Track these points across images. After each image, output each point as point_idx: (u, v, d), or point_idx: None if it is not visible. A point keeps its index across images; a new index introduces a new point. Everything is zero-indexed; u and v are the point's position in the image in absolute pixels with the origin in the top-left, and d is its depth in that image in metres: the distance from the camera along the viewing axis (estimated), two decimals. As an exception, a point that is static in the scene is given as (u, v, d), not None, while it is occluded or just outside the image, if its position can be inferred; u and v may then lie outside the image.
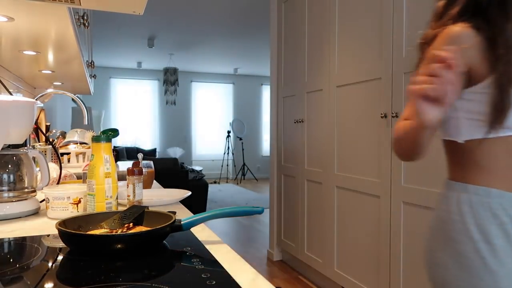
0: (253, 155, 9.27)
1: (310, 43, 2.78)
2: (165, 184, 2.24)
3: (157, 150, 8.25)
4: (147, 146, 8.30)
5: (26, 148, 1.13)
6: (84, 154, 2.47)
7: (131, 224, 0.81)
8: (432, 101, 0.71)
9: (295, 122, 3.01)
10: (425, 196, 1.79)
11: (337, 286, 2.49)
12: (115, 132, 1.09)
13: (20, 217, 1.03)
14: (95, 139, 0.98)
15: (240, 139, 8.85)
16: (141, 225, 0.83)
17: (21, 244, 0.80)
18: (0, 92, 1.59)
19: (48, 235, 0.86)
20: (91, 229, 0.81)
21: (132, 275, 0.62)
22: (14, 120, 0.99)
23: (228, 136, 8.65)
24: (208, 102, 8.96)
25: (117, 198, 1.01)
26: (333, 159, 2.50)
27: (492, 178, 0.84)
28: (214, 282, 0.58)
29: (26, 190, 1.07)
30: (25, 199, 1.06)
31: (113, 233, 0.76)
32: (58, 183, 1.36)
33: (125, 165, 2.57)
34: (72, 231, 0.72)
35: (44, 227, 0.93)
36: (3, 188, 1.02)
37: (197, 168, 7.00)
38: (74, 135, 2.57)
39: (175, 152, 8.11)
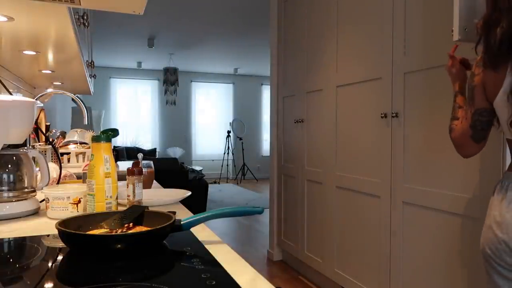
0: (253, 155, 9.27)
1: (310, 43, 2.78)
2: (165, 184, 2.24)
3: (157, 150, 8.25)
4: (147, 146, 8.30)
5: (26, 148, 1.13)
6: (84, 154, 2.47)
7: (131, 224, 0.81)
8: None
9: (295, 122, 3.01)
10: (425, 196, 1.79)
11: (337, 286, 2.48)
12: (115, 132, 1.09)
13: (20, 217, 1.03)
14: (95, 139, 0.98)
15: (240, 139, 8.85)
16: (141, 225, 0.83)
17: (21, 244, 0.80)
18: (0, 92, 1.59)
19: (48, 235, 0.86)
20: (91, 229, 0.81)
21: (132, 275, 0.61)
22: (14, 120, 0.99)
23: (228, 136, 8.65)
24: (208, 102, 8.95)
25: (117, 198, 1.01)
26: (333, 159, 2.50)
27: None
28: (214, 282, 0.58)
29: (26, 190, 1.07)
30: (25, 199, 1.06)
31: (113, 233, 0.76)
32: (58, 183, 1.36)
33: (125, 165, 2.57)
34: (72, 231, 0.72)
35: (44, 227, 0.93)
36: (3, 188, 1.02)
37: (197, 168, 7.00)
38: (74, 135, 2.57)
39: (175, 152, 8.11)
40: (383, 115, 2.04)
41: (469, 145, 1.13)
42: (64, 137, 2.61)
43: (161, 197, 1.30)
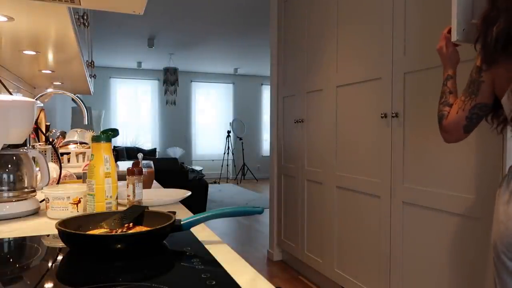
0: (253, 155, 9.27)
1: (310, 43, 2.78)
2: (165, 184, 2.24)
3: (157, 150, 8.25)
4: (147, 146, 8.30)
5: (26, 148, 1.13)
6: (84, 154, 2.47)
7: (131, 224, 0.81)
8: None
9: (295, 122, 3.01)
10: (425, 196, 1.79)
11: (337, 286, 2.49)
12: (115, 132, 1.09)
13: (20, 217, 1.03)
14: (95, 139, 0.98)
15: (240, 139, 8.85)
16: (141, 225, 0.83)
17: (21, 244, 0.80)
18: (0, 92, 1.59)
19: (48, 235, 0.86)
20: (91, 229, 0.81)
21: (132, 275, 0.61)
22: (14, 120, 0.99)
23: (228, 136, 8.65)
24: (208, 102, 8.96)
25: (117, 198, 1.01)
26: (333, 159, 2.50)
27: None
28: (214, 282, 0.58)
29: (26, 190, 1.07)
30: (25, 199, 1.06)
31: (113, 233, 0.76)
32: (58, 183, 1.36)
33: (125, 165, 2.57)
34: (72, 231, 0.72)
35: (44, 227, 0.93)
36: (3, 188, 1.02)
37: (197, 168, 7.00)
38: (74, 135, 2.57)
39: (175, 152, 8.11)
40: (383, 115, 2.04)
41: (458, 134, 1.16)
42: (64, 137, 2.61)
43: (161, 197, 1.30)
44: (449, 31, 1.23)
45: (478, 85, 1.09)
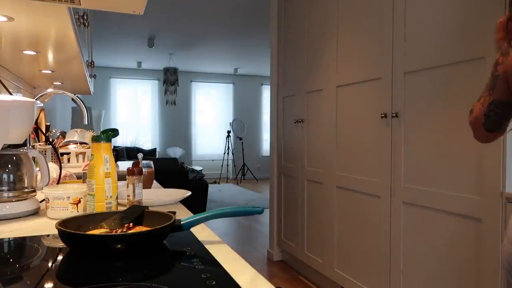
0: (253, 155, 9.27)
1: (310, 43, 2.78)
2: (165, 184, 2.25)
3: (157, 150, 8.25)
4: (147, 146, 8.30)
5: (26, 148, 1.13)
6: (84, 154, 2.47)
7: (131, 224, 0.81)
8: None
9: (295, 122, 3.01)
10: (425, 196, 1.79)
11: (337, 286, 2.48)
12: (115, 132, 1.09)
13: (20, 217, 1.03)
14: (95, 139, 0.98)
15: (240, 139, 8.85)
16: (141, 225, 0.83)
17: (21, 244, 0.80)
18: (0, 92, 1.59)
19: (48, 235, 0.86)
20: (91, 229, 0.81)
21: (132, 275, 0.61)
22: (14, 120, 0.99)
23: (228, 136, 8.65)
24: (208, 102, 8.96)
25: (117, 198, 1.01)
26: (333, 159, 2.50)
27: None
28: (214, 282, 0.58)
29: (26, 190, 1.07)
30: (25, 199, 1.06)
31: (113, 233, 0.76)
32: (58, 183, 1.36)
33: (125, 165, 2.57)
34: (72, 231, 0.72)
35: (44, 227, 0.93)
36: (3, 188, 1.02)
37: (197, 168, 7.00)
38: (74, 135, 2.57)
39: (175, 152, 8.11)
40: (383, 115, 2.04)
41: (480, 132, 1.08)
42: (64, 137, 2.61)
43: (161, 197, 1.30)
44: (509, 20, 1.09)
45: (494, 79, 1.01)
